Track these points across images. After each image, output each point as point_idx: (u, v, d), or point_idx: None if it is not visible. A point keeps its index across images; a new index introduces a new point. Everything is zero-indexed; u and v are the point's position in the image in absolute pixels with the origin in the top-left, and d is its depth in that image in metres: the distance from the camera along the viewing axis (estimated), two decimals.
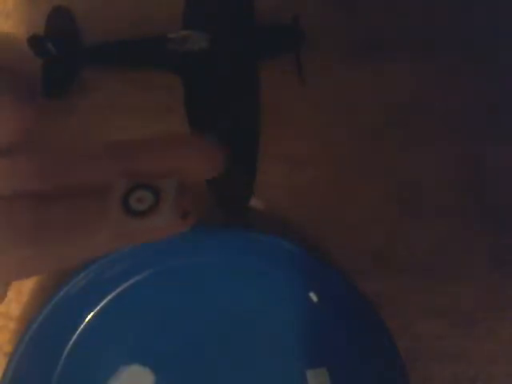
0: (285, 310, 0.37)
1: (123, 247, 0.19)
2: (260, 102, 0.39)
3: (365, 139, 0.40)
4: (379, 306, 0.36)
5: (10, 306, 0.38)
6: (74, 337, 0.37)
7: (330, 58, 0.40)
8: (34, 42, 0.37)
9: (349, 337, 0.36)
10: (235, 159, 0.39)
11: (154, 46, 0.40)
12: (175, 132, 0.18)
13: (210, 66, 0.39)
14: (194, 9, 0.40)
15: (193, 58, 0.39)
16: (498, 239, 0.39)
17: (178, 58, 0.39)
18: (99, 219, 0.17)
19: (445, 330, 0.38)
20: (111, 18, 0.41)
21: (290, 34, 0.39)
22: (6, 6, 0.41)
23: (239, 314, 0.37)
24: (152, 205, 0.17)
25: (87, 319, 0.37)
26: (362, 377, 0.36)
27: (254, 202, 0.39)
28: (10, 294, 0.38)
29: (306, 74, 0.39)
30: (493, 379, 0.37)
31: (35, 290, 0.38)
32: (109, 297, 0.37)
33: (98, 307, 0.37)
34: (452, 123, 0.40)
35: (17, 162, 0.18)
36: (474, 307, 0.38)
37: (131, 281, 0.37)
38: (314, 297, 0.37)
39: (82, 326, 0.37)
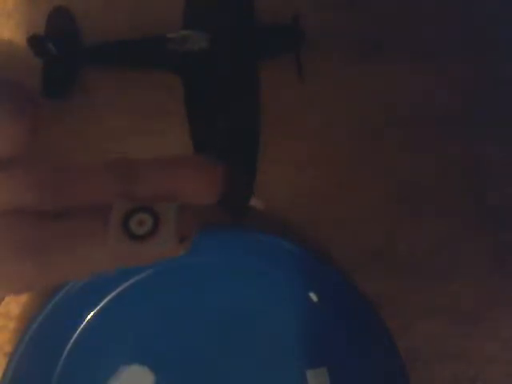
0: (285, 310, 0.37)
1: (120, 268, 0.19)
2: (260, 102, 0.39)
3: (365, 139, 0.40)
4: (379, 306, 0.36)
5: (9, 305, 0.38)
6: (74, 337, 0.37)
7: (330, 57, 0.40)
8: (34, 41, 0.37)
9: (349, 337, 0.36)
10: (235, 159, 0.39)
11: (153, 46, 0.40)
12: (175, 153, 0.18)
13: (210, 65, 0.39)
14: (194, 9, 0.40)
15: (193, 57, 0.39)
16: (498, 239, 0.39)
17: (178, 57, 0.39)
18: (98, 238, 0.17)
19: (445, 330, 0.38)
20: (111, 18, 0.41)
21: (290, 34, 0.39)
22: (7, 6, 0.41)
23: (239, 314, 0.37)
24: (151, 229, 0.17)
25: (87, 319, 0.37)
26: (362, 377, 0.36)
27: (254, 202, 0.39)
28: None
29: (305, 73, 0.39)
30: (493, 379, 0.37)
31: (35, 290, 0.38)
32: (109, 297, 0.37)
33: (98, 307, 0.37)
34: (452, 123, 0.40)
35: (15, 175, 0.18)
36: (474, 307, 0.38)
37: (131, 281, 0.37)
38: (313, 297, 0.37)
39: (82, 325, 0.37)
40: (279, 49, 0.40)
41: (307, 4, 0.40)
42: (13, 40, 0.41)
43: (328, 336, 0.37)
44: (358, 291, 0.36)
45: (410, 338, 0.37)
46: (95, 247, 0.17)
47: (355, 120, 0.40)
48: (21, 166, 0.18)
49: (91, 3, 0.41)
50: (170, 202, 0.18)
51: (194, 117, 0.39)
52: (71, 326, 0.37)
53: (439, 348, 0.38)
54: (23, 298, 0.38)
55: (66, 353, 0.37)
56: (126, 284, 0.37)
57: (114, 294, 0.37)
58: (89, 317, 0.37)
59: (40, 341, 0.35)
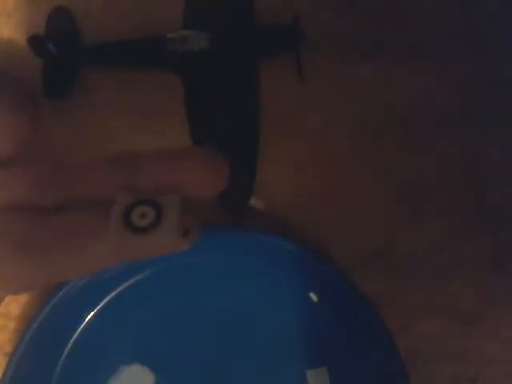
0: (285, 310, 0.37)
1: (122, 263, 0.18)
2: (260, 102, 0.39)
3: (365, 139, 0.40)
4: (379, 306, 0.36)
5: (9, 305, 0.38)
6: (74, 337, 0.37)
7: (330, 57, 0.40)
8: (34, 41, 0.37)
9: (349, 337, 0.36)
10: (235, 159, 0.39)
11: (153, 46, 0.40)
12: (176, 145, 0.17)
13: (210, 65, 0.39)
14: (194, 9, 0.40)
15: (193, 57, 0.39)
16: (498, 239, 0.39)
17: (178, 58, 0.39)
18: (99, 233, 0.17)
19: (445, 330, 0.38)
20: (111, 18, 0.41)
21: (290, 34, 0.39)
22: (7, 6, 0.41)
23: (239, 314, 0.37)
24: (154, 221, 0.17)
25: (87, 319, 0.37)
26: (362, 377, 0.36)
27: (254, 202, 0.39)
28: None
29: (305, 73, 0.39)
30: (493, 379, 0.37)
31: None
32: (109, 297, 0.37)
33: (98, 307, 0.37)
34: (452, 123, 0.40)
35: (15, 173, 0.18)
36: (474, 307, 0.38)
37: (131, 281, 0.37)
38: (314, 297, 0.37)
39: (82, 325, 0.37)
40: (279, 49, 0.40)
41: (307, 4, 0.40)
42: (13, 40, 0.41)
43: (328, 336, 0.37)
44: (358, 291, 0.36)
45: (410, 337, 0.37)
46: (96, 242, 0.17)
47: (355, 120, 0.40)
48: (22, 164, 0.18)
49: (91, 3, 0.41)
50: (172, 194, 0.17)
51: (194, 117, 0.39)
52: (71, 326, 0.37)
53: (439, 348, 0.38)
54: (23, 298, 0.38)
55: (65, 353, 0.37)
56: (125, 284, 0.37)
57: (113, 293, 0.37)
58: (89, 317, 0.37)
59: (40, 341, 0.35)
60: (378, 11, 0.41)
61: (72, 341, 0.37)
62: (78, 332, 0.37)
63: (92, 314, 0.37)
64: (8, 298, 0.38)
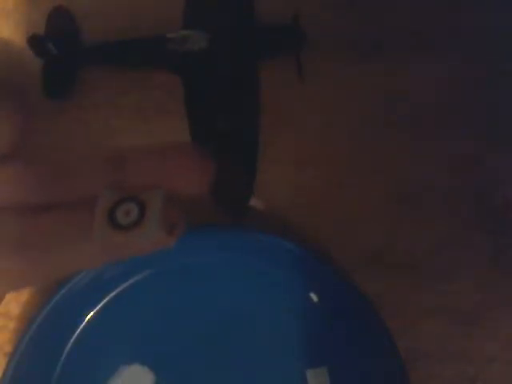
0: (285, 310, 0.37)
1: (110, 261, 0.18)
2: (260, 102, 0.39)
3: (365, 139, 0.40)
4: (379, 306, 0.36)
5: (9, 305, 0.38)
6: (74, 336, 0.37)
7: (330, 57, 0.40)
8: (34, 41, 0.37)
9: (349, 337, 0.36)
10: (235, 159, 0.39)
11: (153, 46, 0.40)
12: (166, 141, 0.17)
13: (210, 65, 0.39)
14: (194, 9, 0.40)
15: (193, 58, 0.39)
16: (498, 239, 0.39)
17: (178, 58, 0.39)
18: (85, 232, 0.17)
19: (445, 329, 0.38)
20: (111, 18, 0.41)
21: (290, 34, 0.39)
22: (7, 6, 0.41)
23: (239, 314, 0.37)
24: (137, 219, 0.17)
25: (87, 319, 0.37)
26: (362, 377, 0.36)
27: (254, 202, 0.39)
28: (10, 293, 0.38)
29: (305, 73, 0.39)
30: (493, 379, 0.37)
31: (35, 290, 0.38)
32: (109, 297, 0.37)
33: (98, 307, 0.37)
34: (452, 123, 0.40)
35: (3, 172, 0.18)
36: (474, 307, 0.38)
37: (131, 281, 0.37)
38: (314, 297, 0.37)
39: (82, 325, 0.37)
40: (279, 49, 0.40)
41: (307, 4, 0.40)
42: (13, 40, 0.41)
43: (328, 336, 0.37)
44: (357, 291, 0.36)
45: (410, 337, 0.37)
46: (83, 241, 0.17)
47: (355, 120, 0.40)
48: (10, 163, 0.18)
49: (91, 3, 0.41)
50: (155, 189, 0.17)
51: (194, 117, 0.39)
52: (71, 326, 0.37)
53: (439, 348, 0.37)
54: (23, 298, 0.38)
55: (65, 353, 0.36)
56: (125, 284, 0.37)
57: (113, 294, 0.37)
58: (89, 316, 0.37)
59: (40, 341, 0.35)
60: (378, 11, 0.41)
61: (72, 341, 0.37)
62: (77, 332, 0.37)
63: (92, 314, 0.37)
64: (8, 298, 0.38)
